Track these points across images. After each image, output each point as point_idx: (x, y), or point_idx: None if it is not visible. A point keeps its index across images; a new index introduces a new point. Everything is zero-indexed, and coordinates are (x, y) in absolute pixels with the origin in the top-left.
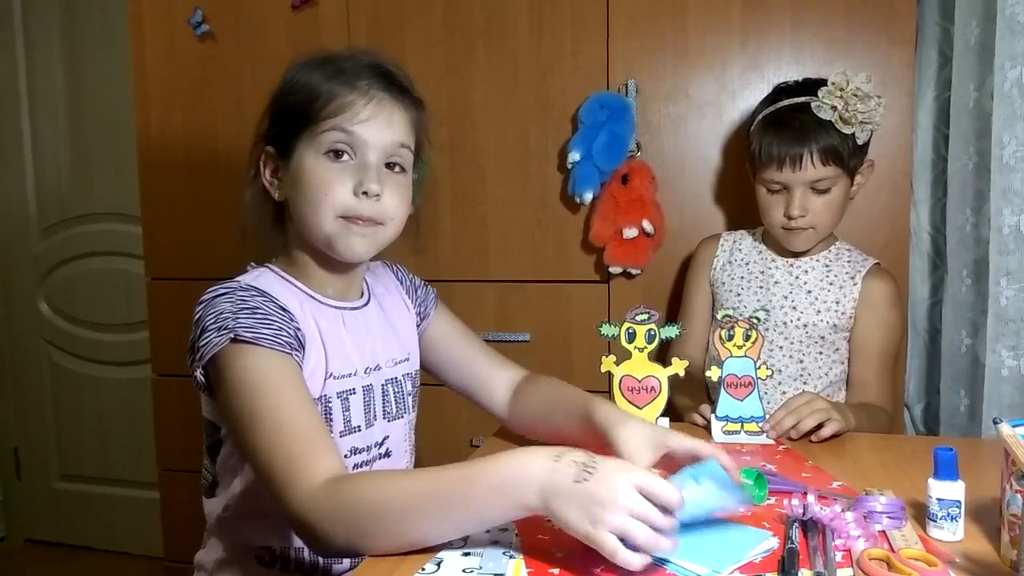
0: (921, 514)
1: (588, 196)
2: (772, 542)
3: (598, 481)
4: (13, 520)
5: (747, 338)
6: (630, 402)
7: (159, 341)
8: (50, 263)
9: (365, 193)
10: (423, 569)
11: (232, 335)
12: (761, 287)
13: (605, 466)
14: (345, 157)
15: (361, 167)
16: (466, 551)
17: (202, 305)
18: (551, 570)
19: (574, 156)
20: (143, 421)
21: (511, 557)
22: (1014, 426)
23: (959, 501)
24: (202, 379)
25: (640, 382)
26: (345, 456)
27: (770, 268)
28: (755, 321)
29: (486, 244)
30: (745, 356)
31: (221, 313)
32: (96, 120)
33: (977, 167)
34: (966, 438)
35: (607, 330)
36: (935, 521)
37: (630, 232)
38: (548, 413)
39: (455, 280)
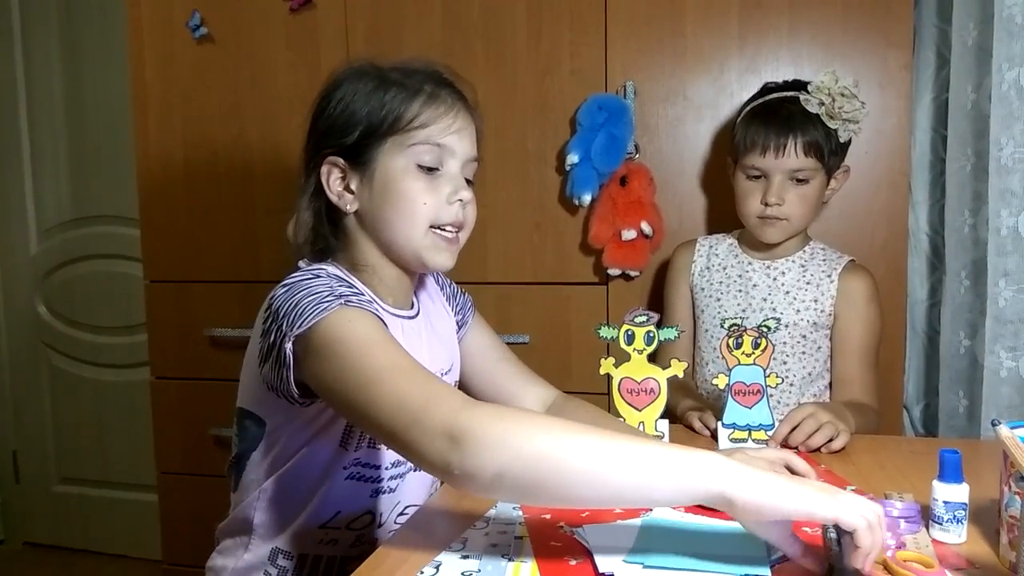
0: (924, 516)
1: (587, 198)
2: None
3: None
4: (11, 523)
5: (756, 346)
6: (629, 404)
7: (158, 344)
8: (49, 266)
9: (460, 200)
10: (421, 572)
11: (343, 300)
12: (740, 291)
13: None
14: (436, 169)
15: (451, 177)
16: (465, 554)
17: (287, 289)
18: None
19: (572, 158)
20: (142, 424)
21: (510, 560)
22: (1012, 428)
23: (965, 503)
24: (290, 355)
25: (639, 384)
26: (386, 468)
27: (748, 271)
28: (765, 329)
29: (485, 246)
30: (754, 364)
31: (319, 290)
32: (95, 123)
33: (975, 168)
34: (965, 439)
35: (606, 332)
36: (940, 524)
37: (628, 234)
38: None
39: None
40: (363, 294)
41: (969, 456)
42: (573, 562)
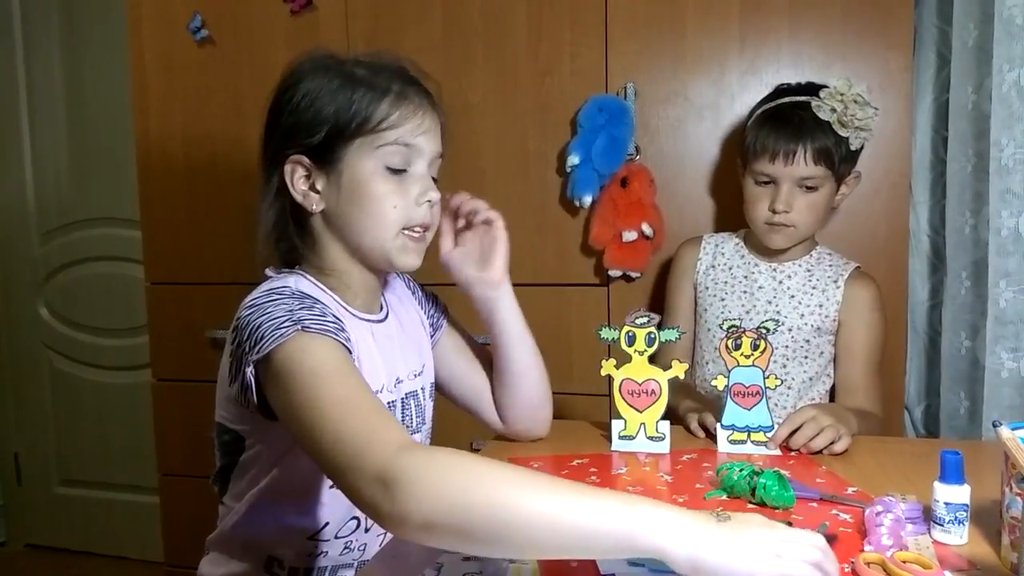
0: (925, 518)
1: (587, 199)
2: None
3: (748, 521)
4: (13, 525)
5: (755, 347)
6: (630, 405)
7: (159, 346)
8: (50, 268)
9: (429, 202)
10: (423, 574)
11: (300, 327)
12: (745, 292)
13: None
14: (404, 170)
15: (419, 177)
16: (466, 556)
17: (251, 310)
18: None
19: (573, 159)
20: (143, 426)
21: (511, 562)
22: (1013, 429)
23: (966, 505)
24: (251, 379)
25: (640, 385)
26: None
27: (753, 273)
28: (764, 331)
29: None
30: (753, 365)
31: (278, 314)
32: (96, 125)
33: (976, 169)
34: (966, 440)
35: (607, 334)
36: (942, 525)
37: (629, 235)
38: (514, 385)
39: (454, 284)
40: (325, 313)
41: (970, 457)
42: (575, 563)
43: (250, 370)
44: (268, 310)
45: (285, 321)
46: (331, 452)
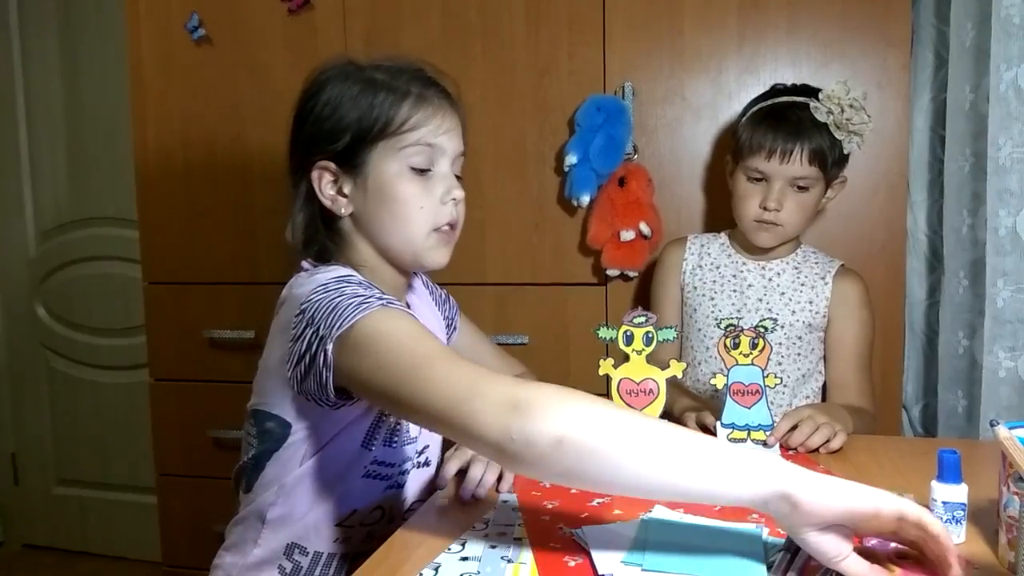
0: None
1: (585, 199)
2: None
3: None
4: (11, 525)
5: (754, 346)
6: (628, 405)
7: (156, 346)
8: (47, 267)
9: (453, 200)
10: (420, 574)
11: (382, 302)
12: (735, 291)
13: None
14: (428, 170)
15: (443, 176)
16: (464, 555)
17: (323, 294)
18: None
19: (571, 159)
20: (141, 426)
21: (509, 561)
22: (1011, 428)
23: (964, 504)
24: (332, 356)
25: (638, 384)
26: (400, 465)
27: (742, 271)
28: (762, 329)
29: (484, 247)
30: (752, 364)
31: (355, 293)
32: (93, 124)
33: (973, 169)
34: (964, 440)
35: (605, 333)
36: None
37: (627, 234)
38: None
39: (453, 283)
40: (396, 298)
41: (968, 456)
42: (572, 563)
43: (331, 347)
44: (344, 291)
45: (366, 299)
46: (443, 393)
